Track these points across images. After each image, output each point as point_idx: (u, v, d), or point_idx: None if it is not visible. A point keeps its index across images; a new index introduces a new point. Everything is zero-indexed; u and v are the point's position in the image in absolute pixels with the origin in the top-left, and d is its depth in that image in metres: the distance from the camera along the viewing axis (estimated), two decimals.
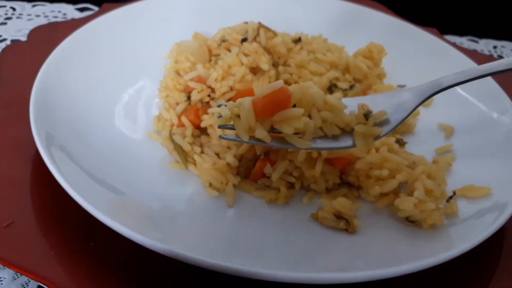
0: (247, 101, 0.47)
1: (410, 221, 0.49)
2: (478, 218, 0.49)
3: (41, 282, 0.42)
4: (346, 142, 0.48)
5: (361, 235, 0.49)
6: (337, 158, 0.53)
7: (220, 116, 0.48)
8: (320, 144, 0.48)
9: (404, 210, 0.48)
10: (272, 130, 0.48)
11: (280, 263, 0.44)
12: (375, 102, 0.51)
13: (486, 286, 0.48)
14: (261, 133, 0.47)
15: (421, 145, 0.62)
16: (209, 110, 0.59)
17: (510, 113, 0.62)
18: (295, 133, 0.47)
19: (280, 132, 0.47)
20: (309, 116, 0.48)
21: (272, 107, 0.47)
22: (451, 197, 0.52)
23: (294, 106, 0.48)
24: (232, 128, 0.49)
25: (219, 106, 0.51)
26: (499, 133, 0.61)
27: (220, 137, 0.50)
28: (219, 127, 0.50)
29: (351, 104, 0.50)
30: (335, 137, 0.49)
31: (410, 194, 0.49)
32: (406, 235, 0.49)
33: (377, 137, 0.48)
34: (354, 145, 0.48)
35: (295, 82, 0.62)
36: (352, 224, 0.49)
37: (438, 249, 0.44)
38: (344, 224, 0.49)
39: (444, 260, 0.42)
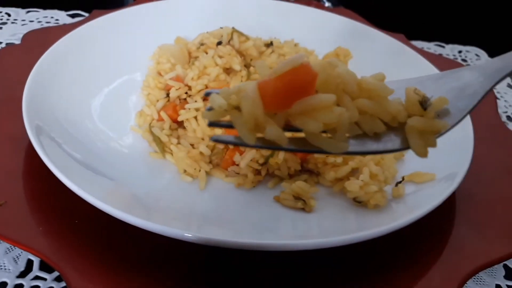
0: (250, 85, 0.33)
1: (357, 202, 0.55)
2: (422, 198, 0.55)
3: (31, 253, 0.47)
4: (394, 142, 0.35)
5: (316, 213, 0.55)
6: None
7: (209, 109, 0.35)
8: (358, 146, 0.35)
9: (351, 192, 0.55)
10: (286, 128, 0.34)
11: (247, 234, 0.50)
12: (424, 86, 0.37)
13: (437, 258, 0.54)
14: (274, 131, 0.32)
15: None
16: (186, 106, 0.65)
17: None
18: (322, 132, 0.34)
19: (298, 130, 0.34)
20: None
21: (288, 92, 0.32)
22: (399, 182, 0.59)
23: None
24: (228, 126, 0.36)
25: (207, 94, 0.38)
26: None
27: (213, 139, 0.38)
28: (210, 125, 0.37)
29: (392, 87, 0.36)
30: (376, 136, 0.35)
31: (359, 178, 0.55)
32: (356, 214, 0.55)
33: (440, 135, 0.36)
34: (406, 147, 0.35)
35: None
36: (308, 204, 0.55)
37: (383, 223, 0.50)
38: (301, 204, 0.55)
39: (389, 230, 0.48)
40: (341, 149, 0.34)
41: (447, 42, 1.11)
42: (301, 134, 0.34)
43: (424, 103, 0.35)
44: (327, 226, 0.53)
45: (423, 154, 0.36)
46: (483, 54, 1.10)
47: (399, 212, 0.55)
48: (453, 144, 0.63)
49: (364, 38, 0.86)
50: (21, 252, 0.52)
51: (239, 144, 0.35)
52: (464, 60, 1.07)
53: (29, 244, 0.47)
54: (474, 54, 1.09)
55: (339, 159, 0.57)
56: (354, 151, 0.35)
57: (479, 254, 0.54)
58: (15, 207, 0.52)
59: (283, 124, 0.34)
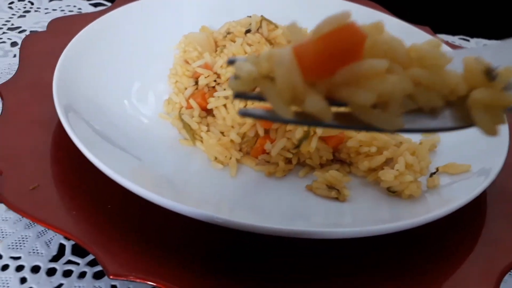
0: (285, 50, 0.29)
1: (391, 191, 0.54)
2: (458, 190, 0.54)
3: (64, 235, 0.47)
4: (455, 119, 0.30)
5: (350, 203, 0.54)
6: (331, 136, 0.58)
7: (236, 78, 0.30)
8: (413, 123, 0.30)
9: (385, 181, 0.54)
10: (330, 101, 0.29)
11: (277, 219, 0.49)
12: (484, 57, 0.32)
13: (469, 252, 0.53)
14: (316, 102, 0.27)
15: None
16: (215, 94, 0.64)
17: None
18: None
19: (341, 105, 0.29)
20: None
21: (332, 57, 0.27)
22: (434, 173, 0.58)
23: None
24: (258, 98, 0.30)
25: (230, 62, 0.32)
26: None
27: (240, 113, 0.31)
28: (236, 96, 0.31)
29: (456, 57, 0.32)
30: (433, 111, 0.30)
31: (394, 168, 0.54)
32: (391, 204, 0.54)
33: (509, 110, 0.30)
34: (468, 125, 0.30)
35: None
36: (342, 193, 0.54)
37: (418, 213, 0.49)
38: (335, 193, 0.54)
39: (424, 221, 0.47)
40: (396, 126, 0.29)
41: (472, 36, 1.10)
42: (345, 110, 0.29)
43: (490, 73, 0.30)
44: (361, 215, 0.52)
45: (492, 131, 0.30)
46: None
47: (433, 203, 0.54)
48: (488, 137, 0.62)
49: (392, 30, 0.85)
50: (53, 236, 0.51)
51: (272, 119, 0.30)
52: None
53: (63, 227, 0.47)
54: None
55: (374, 149, 0.56)
56: (411, 128, 0.30)
57: None
58: (47, 191, 0.51)
59: (324, 96, 0.28)
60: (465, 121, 0.31)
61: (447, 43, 0.92)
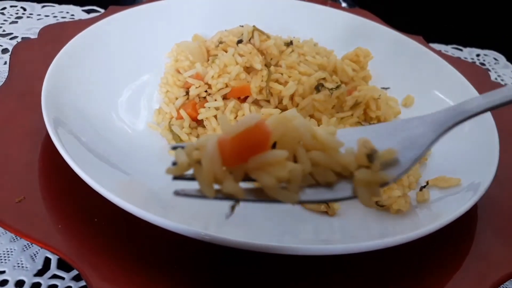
0: (210, 141, 0.36)
1: (380, 205, 0.54)
2: (448, 204, 0.54)
3: (49, 251, 0.46)
4: (344, 191, 0.37)
5: (339, 217, 0.54)
6: None
7: (174, 164, 0.37)
8: (311, 195, 0.38)
9: None
10: (246, 179, 0.37)
11: (267, 236, 0.49)
12: (378, 135, 0.40)
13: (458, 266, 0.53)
14: (230, 186, 0.36)
15: None
16: (206, 104, 0.64)
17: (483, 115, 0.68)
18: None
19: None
20: (295, 158, 0.37)
21: (244, 149, 0.35)
22: (424, 187, 0.57)
23: (275, 144, 0.37)
24: (192, 179, 0.38)
25: (174, 148, 0.40)
26: (472, 132, 0.66)
27: (175, 193, 0.38)
28: (174, 179, 0.38)
29: (347, 138, 0.39)
30: (329, 185, 0.38)
31: None
32: (381, 218, 0.54)
33: (385, 185, 0.37)
34: (354, 196, 0.37)
35: (285, 81, 0.67)
36: (331, 207, 0.54)
37: (407, 229, 0.49)
38: (324, 207, 0.54)
39: (414, 237, 0.47)
40: (293, 200, 0.37)
41: (465, 46, 1.10)
42: (258, 185, 0.37)
43: (370, 156, 0.37)
44: (350, 231, 0.52)
45: (368, 203, 0.38)
46: (501, 58, 1.08)
47: (423, 218, 0.54)
48: (478, 149, 0.62)
49: (384, 39, 0.85)
50: (39, 250, 0.51)
51: (200, 197, 0.37)
52: (482, 64, 1.05)
53: (47, 242, 0.46)
54: (492, 58, 1.08)
55: None
56: (307, 200, 0.38)
57: (505, 262, 0.52)
58: (33, 204, 0.51)
59: (243, 176, 0.37)
60: (355, 192, 0.38)
61: (439, 52, 0.92)
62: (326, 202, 0.43)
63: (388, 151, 0.38)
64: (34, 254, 0.50)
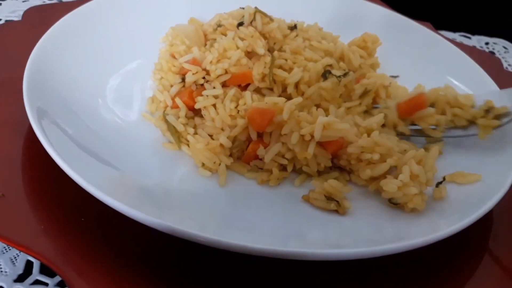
0: (392, 103, 0.60)
1: (393, 203, 0.50)
2: (466, 203, 0.50)
3: (30, 255, 0.42)
4: (472, 131, 0.57)
5: (350, 217, 0.49)
6: (329, 142, 0.53)
7: None
8: (451, 133, 0.59)
9: (387, 192, 0.49)
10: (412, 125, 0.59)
11: (270, 239, 0.44)
12: (502, 97, 0.59)
13: (473, 270, 0.49)
14: (402, 128, 0.59)
15: None
16: (204, 92, 0.59)
17: (499, 103, 0.63)
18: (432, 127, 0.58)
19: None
20: (444, 112, 0.59)
21: (412, 108, 0.59)
22: (440, 183, 0.53)
23: (432, 105, 0.59)
24: None
25: None
26: None
27: None
28: None
29: (480, 99, 0.58)
30: (464, 127, 0.58)
31: (397, 177, 0.49)
32: (395, 218, 0.49)
33: (498, 127, 0.56)
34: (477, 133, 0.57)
35: (290, 68, 0.62)
36: (342, 205, 0.49)
37: (425, 232, 0.45)
38: (334, 205, 0.49)
39: (429, 242, 0.43)
40: (438, 135, 0.59)
41: (473, 33, 1.05)
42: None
43: (487, 111, 0.58)
44: (362, 233, 0.47)
45: (483, 138, 0.58)
46: (511, 46, 1.04)
47: (439, 218, 0.49)
48: (498, 139, 0.58)
49: (392, 25, 0.80)
50: (19, 252, 0.46)
51: None
52: (492, 53, 1.01)
53: (28, 245, 0.41)
54: (501, 47, 1.03)
55: (376, 156, 0.51)
56: (447, 135, 0.59)
57: None
58: (13, 201, 0.46)
59: (409, 123, 0.60)
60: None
61: (449, 40, 0.88)
62: (458, 137, 0.59)
63: (501, 108, 0.57)
64: (15, 257, 0.46)
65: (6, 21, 0.83)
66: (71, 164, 0.43)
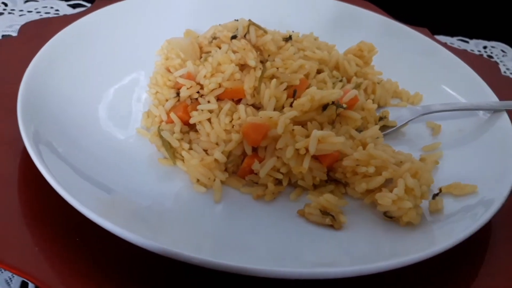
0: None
1: (388, 217, 0.50)
2: (463, 216, 0.50)
3: (24, 278, 0.42)
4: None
5: (346, 231, 0.49)
6: (325, 155, 0.53)
7: None
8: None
9: (382, 205, 0.49)
10: None
11: (267, 259, 0.44)
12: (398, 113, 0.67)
13: (471, 282, 0.49)
14: None
15: (409, 143, 0.63)
16: (199, 107, 0.59)
17: (496, 111, 0.63)
18: None
19: None
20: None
21: None
22: (437, 194, 0.53)
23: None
24: None
25: None
26: (485, 131, 0.62)
27: None
28: None
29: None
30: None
31: (393, 190, 0.49)
32: (391, 232, 0.49)
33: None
34: None
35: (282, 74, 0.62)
36: (338, 220, 0.49)
37: (421, 246, 0.44)
38: (330, 220, 0.49)
39: (426, 257, 0.42)
40: None
41: (471, 37, 1.05)
42: None
43: (381, 118, 0.65)
44: (358, 249, 0.47)
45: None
46: (509, 50, 1.04)
47: (436, 232, 0.49)
48: (494, 150, 0.58)
49: (389, 32, 0.80)
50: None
51: None
52: (490, 57, 1.00)
53: (22, 268, 0.41)
54: (500, 50, 1.03)
55: (372, 169, 0.51)
56: None
57: None
58: (7, 222, 0.46)
59: None
60: None
61: (445, 44, 0.87)
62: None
63: (392, 122, 0.65)
64: (10, 278, 0.46)
65: (3, 35, 0.83)
66: (66, 187, 0.43)
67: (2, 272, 0.46)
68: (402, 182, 0.49)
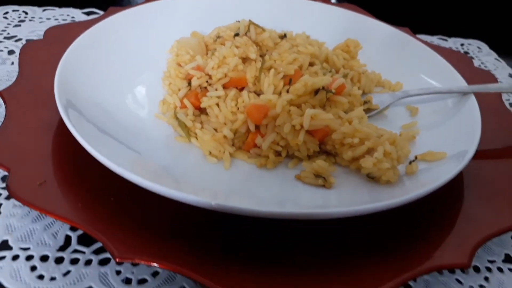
0: None
1: (370, 177, 0.59)
2: (434, 175, 0.59)
3: (74, 226, 0.50)
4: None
5: (335, 190, 0.59)
6: (317, 130, 0.63)
7: None
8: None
9: (365, 168, 0.58)
10: None
11: (270, 203, 0.53)
12: (380, 98, 0.77)
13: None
14: None
15: (390, 123, 0.73)
16: (208, 94, 0.68)
17: (466, 94, 0.73)
18: None
19: None
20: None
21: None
22: (412, 161, 0.62)
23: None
24: None
25: None
26: (456, 111, 0.72)
27: None
28: None
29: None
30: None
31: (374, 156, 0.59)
32: (373, 189, 0.58)
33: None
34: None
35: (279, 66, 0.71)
36: (328, 181, 0.58)
37: (395, 196, 0.54)
38: (321, 181, 0.58)
39: (399, 203, 0.51)
40: None
41: (450, 36, 1.15)
42: None
43: (365, 102, 0.75)
44: (344, 199, 0.56)
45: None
46: (484, 46, 1.13)
47: (411, 187, 0.58)
48: (463, 127, 0.67)
49: (373, 31, 0.90)
50: (59, 228, 0.55)
51: None
52: (466, 53, 1.10)
53: (71, 218, 0.50)
54: (476, 47, 1.13)
55: (356, 140, 0.60)
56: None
57: (488, 225, 0.57)
58: (53, 186, 0.55)
59: None
60: None
61: (426, 43, 0.98)
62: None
63: (375, 105, 0.75)
64: (56, 232, 0.54)
65: (27, 40, 0.93)
66: (96, 147, 0.52)
67: (49, 228, 0.55)
68: (381, 148, 0.58)
